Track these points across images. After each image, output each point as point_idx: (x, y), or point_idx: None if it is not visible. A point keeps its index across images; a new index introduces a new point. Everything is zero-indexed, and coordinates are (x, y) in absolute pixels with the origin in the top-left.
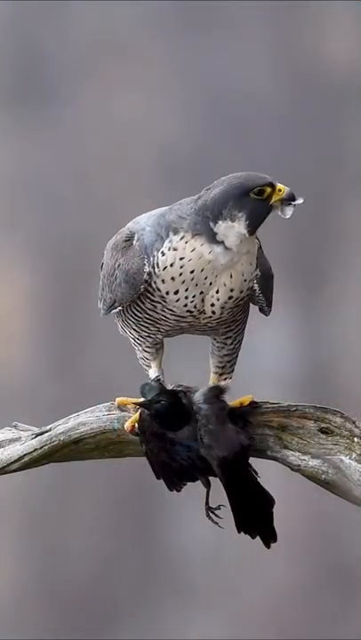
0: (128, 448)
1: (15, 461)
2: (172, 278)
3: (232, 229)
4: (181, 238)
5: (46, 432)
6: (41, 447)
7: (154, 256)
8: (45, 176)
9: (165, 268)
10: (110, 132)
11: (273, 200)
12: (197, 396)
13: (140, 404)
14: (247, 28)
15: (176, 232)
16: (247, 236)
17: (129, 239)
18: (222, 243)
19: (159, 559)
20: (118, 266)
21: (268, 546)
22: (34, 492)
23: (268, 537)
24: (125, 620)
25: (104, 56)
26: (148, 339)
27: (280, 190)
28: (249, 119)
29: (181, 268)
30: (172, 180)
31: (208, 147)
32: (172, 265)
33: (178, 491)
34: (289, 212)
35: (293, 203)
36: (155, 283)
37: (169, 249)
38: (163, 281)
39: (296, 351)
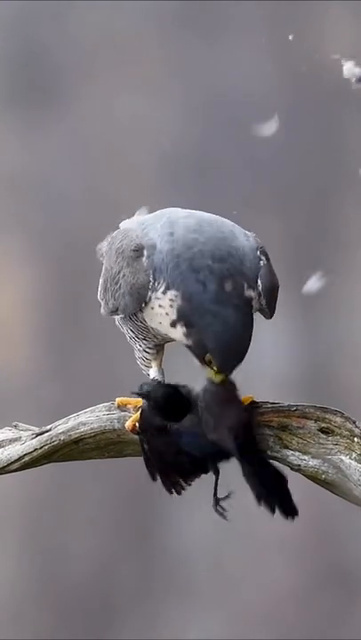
0: (128, 448)
1: (15, 461)
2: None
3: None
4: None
5: (46, 432)
6: (41, 447)
7: (159, 283)
8: (46, 176)
9: (153, 308)
10: (111, 132)
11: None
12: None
13: (140, 395)
14: (247, 27)
15: (168, 288)
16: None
17: (138, 250)
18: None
19: (159, 559)
20: (123, 276)
21: (292, 518)
22: (34, 492)
23: (288, 512)
24: (125, 620)
25: (105, 56)
26: (144, 341)
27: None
28: (249, 119)
29: (160, 324)
30: (174, 180)
31: (208, 146)
32: (152, 308)
33: (178, 493)
34: None
35: None
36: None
37: (156, 298)
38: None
39: (296, 351)
